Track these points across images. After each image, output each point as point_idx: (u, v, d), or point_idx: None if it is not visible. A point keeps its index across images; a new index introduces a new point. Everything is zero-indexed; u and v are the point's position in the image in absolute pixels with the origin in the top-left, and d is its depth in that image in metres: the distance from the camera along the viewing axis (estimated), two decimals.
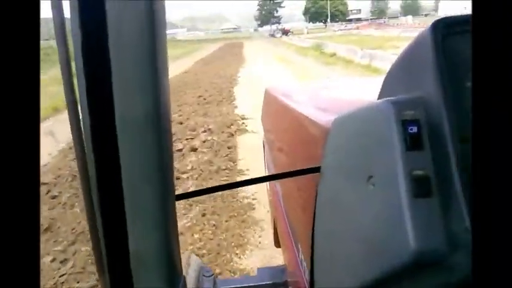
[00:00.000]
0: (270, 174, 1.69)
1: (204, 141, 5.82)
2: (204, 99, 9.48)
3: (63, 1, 0.45)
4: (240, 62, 19.68)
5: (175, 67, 17.56)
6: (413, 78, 0.53)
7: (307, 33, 53.65)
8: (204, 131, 6.33)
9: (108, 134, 0.46)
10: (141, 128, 0.46)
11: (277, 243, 1.90)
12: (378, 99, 0.58)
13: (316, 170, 0.68)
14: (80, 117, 0.47)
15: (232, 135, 6.15)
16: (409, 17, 67.34)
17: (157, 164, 0.48)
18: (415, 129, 0.46)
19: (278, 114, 1.48)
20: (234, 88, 11.19)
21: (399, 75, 0.58)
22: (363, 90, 1.40)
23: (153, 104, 0.46)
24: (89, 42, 0.44)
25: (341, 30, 56.14)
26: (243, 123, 6.80)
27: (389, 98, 0.50)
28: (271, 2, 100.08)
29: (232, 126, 6.58)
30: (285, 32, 60.93)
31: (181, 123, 6.96)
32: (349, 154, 0.59)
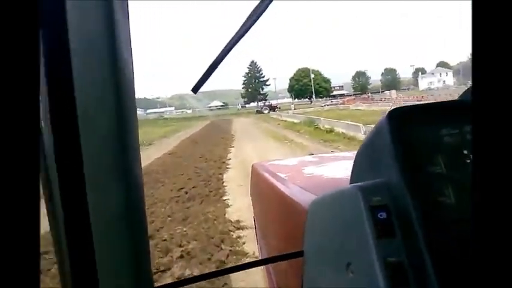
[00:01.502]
0: (261, 252, 1.71)
1: (177, 280, 3.70)
2: (186, 192, 7.47)
3: None
4: (229, 141, 18.05)
5: (159, 148, 15.82)
6: (377, 164, 0.55)
7: (295, 108, 53.72)
8: (181, 256, 4.22)
9: (82, 229, 0.45)
10: (115, 224, 0.46)
11: None
12: (350, 183, 0.61)
13: (299, 254, 0.69)
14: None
15: (224, 263, 4.06)
16: (393, 91, 69.09)
17: (134, 258, 0.48)
18: (384, 215, 0.47)
19: (263, 192, 1.55)
20: (224, 175, 9.26)
21: (365, 161, 0.60)
22: (342, 167, 1.39)
23: (125, 194, 0.46)
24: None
25: (327, 105, 56.56)
26: (239, 238, 4.73)
27: (356, 184, 0.52)
28: (257, 81, 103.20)
29: (222, 246, 4.49)
30: (273, 108, 61.12)
31: (149, 238, 4.87)
32: (328, 238, 0.60)
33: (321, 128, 18.67)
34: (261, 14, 0.57)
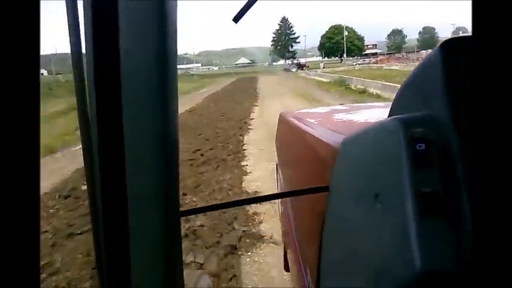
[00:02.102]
0: (283, 205, 1.71)
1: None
2: (202, 155, 6.73)
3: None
4: (254, 99, 17.10)
5: (181, 104, 15.12)
6: (422, 97, 0.53)
7: (324, 67, 51.62)
8: (185, 236, 3.51)
9: (115, 150, 0.46)
10: (148, 146, 0.46)
11: (286, 267, 1.88)
12: (388, 117, 0.59)
13: (325, 189, 0.69)
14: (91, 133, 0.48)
15: (235, 248, 3.32)
16: (430, 51, 64.91)
17: (164, 180, 0.48)
18: (423, 146, 0.46)
19: (290, 138, 1.54)
20: (245, 137, 8.47)
21: (409, 94, 0.58)
22: (376, 113, 1.41)
23: (161, 122, 0.46)
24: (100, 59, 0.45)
25: (359, 64, 54.02)
26: (255, 215, 3.94)
27: (397, 116, 0.51)
28: (286, 37, 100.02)
29: (235, 225, 3.73)
30: (301, 66, 59.25)
31: None
32: (357, 173, 0.59)
33: (352, 88, 17.38)
34: None
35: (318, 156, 0.96)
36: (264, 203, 4.15)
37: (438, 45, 0.52)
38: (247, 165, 5.99)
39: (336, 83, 20.75)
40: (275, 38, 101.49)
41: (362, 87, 16.25)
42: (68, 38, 0.48)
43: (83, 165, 0.50)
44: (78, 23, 0.47)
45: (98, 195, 0.49)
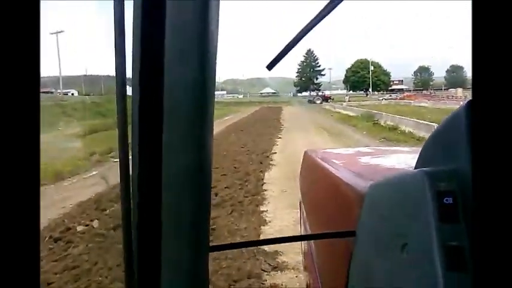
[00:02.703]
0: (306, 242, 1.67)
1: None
2: (216, 194, 5.97)
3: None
4: (277, 131, 16.40)
5: None
6: (448, 151, 0.54)
7: (349, 100, 50.83)
8: None
9: (153, 187, 0.48)
10: (183, 181, 0.48)
11: None
12: (415, 168, 0.60)
13: (351, 233, 0.69)
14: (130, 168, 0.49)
15: None
16: (459, 89, 63.62)
17: (193, 214, 0.49)
18: (450, 200, 0.47)
19: (315, 177, 1.58)
20: (266, 174, 7.69)
21: (435, 147, 0.59)
22: (401, 158, 1.43)
23: (195, 158, 0.47)
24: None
25: (385, 99, 52.98)
26: None
27: (424, 169, 0.52)
28: (311, 69, 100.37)
29: None
30: (326, 99, 58.59)
31: None
32: (384, 220, 0.60)
33: (381, 124, 16.48)
34: None
35: (343, 198, 0.97)
36: (287, 268, 3.32)
37: (465, 102, 0.53)
38: (266, 211, 5.19)
39: (363, 117, 19.87)
40: (300, 70, 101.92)
41: (392, 123, 15.33)
42: (114, 40, 0.48)
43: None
44: (124, 26, 0.48)
45: (135, 232, 0.49)
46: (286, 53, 0.61)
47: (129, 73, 0.49)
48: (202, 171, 0.49)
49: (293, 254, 3.65)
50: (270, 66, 0.63)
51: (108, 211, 5.58)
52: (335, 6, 0.57)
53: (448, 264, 0.43)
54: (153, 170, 0.47)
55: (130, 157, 0.49)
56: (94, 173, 9.17)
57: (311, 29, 0.59)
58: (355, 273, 0.68)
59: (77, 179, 8.62)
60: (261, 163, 8.72)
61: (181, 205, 0.48)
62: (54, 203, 6.02)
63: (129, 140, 0.49)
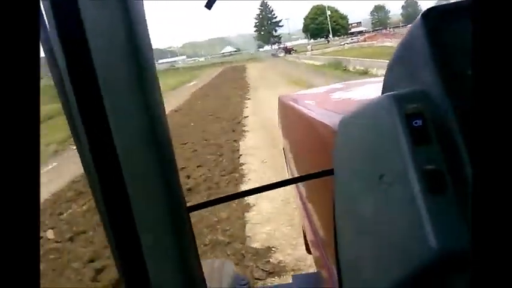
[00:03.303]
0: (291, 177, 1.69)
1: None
2: (188, 176, 5.19)
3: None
4: (245, 91, 15.48)
5: (166, 103, 13.53)
6: (412, 72, 0.53)
7: (312, 49, 49.90)
8: None
9: (109, 156, 0.46)
10: (140, 144, 0.47)
11: (308, 250, 1.86)
12: (381, 95, 0.58)
13: (330, 172, 0.69)
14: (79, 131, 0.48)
15: None
16: (413, 22, 63.20)
17: (163, 177, 0.48)
18: (419, 122, 0.45)
19: (291, 120, 1.58)
20: (241, 143, 6.93)
21: (399, 70, 0.58)
22: (371, 89, 1.39)
23: (147, 119, 0.46)
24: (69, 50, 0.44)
25: (347, 44, 52.32)
26: None
27: (390, 93, 0.50)
28: (269, 22, 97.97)
29: None
30: (288, 50, 57.50)
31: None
32: (358, 154, 0.59)
33: (350, 69, 15.85)
34: None
35: (319, 138, 0.97)
36: (284, 271, 2.67)
37: (419, 14, 0.51)
38: (246, 190, 4.46)
39: (331, 65, 19.16)
40: (257, 24, 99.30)
41: (362, 68, 14.72)
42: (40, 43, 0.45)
43: (82, 171, 0.49)
44: (46, 25, 0.46)
45: (101, 203, 0.49)
46: None
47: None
48: (158, 130, 0.48)
49: (290, 249, 2.99)
50: (209, 5, 0.60)
51: (65, 214, 4.74)
52: None
53: (428, 188, 0.42)
54: (107, 145, 0.46)
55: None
56: (51, 166, 8.15)
57: None
58: (339, 211, 0.67)
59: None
60: (234, 131, 7.92)
61: (145, 171, 0.47)
62: None
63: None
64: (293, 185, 1.76)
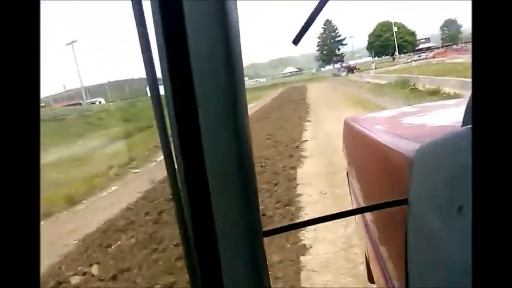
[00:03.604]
0: (356, 205, 1.64)
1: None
2: None
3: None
4: (304, 113, 15.04)
5: None
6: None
7: (375, 68, 48.23)
8: None
9: (200, 179, 0.49)
10: (227, 168, 0.49)
11: (370, 279, 1.78)
12: (462, 126, 0.60)
13: (403, 202, 0.68)
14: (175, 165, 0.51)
15: None
16: None
17: (244, 201, 0.50)
18: None
19: (359, 145, 1.54)
20: (298, 170, 6.48)
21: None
22: (446, 114, 1.39)
23: (235, 145, 0.49)
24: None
25: (414, 61, 49.91)
26: None
27: (471, 126, 0.53)
28: (332, 40, 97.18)
29: None
30: (351, 69, 56.13)
31: None
32: (437, 185, 0.59)
33: (420, 88, 14.78)
34: None
35: (391, 165, 0.95)
36: None
37: None
38: (304, 232, 3.99)
39: (397, 84, 18.12)
40: (320, 43, 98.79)
41: (432, 86, 13.63)
42: (139, 41, 0.49)
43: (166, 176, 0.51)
44: (146, 26, 0.48)
45: (190, 224, 0.50)
46: (310, 25, 0.59)
47: (158, 73, 0.50)
48: (244, 157, 0.50)
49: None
50: (296, 41, 0.61)
51: (113, 247, 4.60)
52: None
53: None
54: (197, 163, 0.48)
55: (174, 155, 0.50)
56: (111, 190, 8.31)
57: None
58: (412, 241, 0.65)
59: (93, 199, 7.78)
60: (291, 156, 7.51)
61: (229, 192, 0.49)
62: (55, 241, 5.12)
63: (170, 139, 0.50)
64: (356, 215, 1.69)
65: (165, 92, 0.49)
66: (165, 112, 0.49)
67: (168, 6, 0.46)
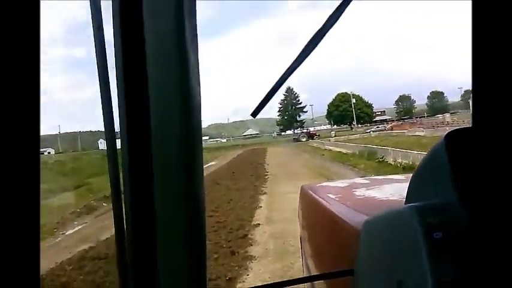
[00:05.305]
0: (306, 270, 1.75)
1: None
2: None
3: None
4: (261, 182, 12.87)
5: None
6: (433, 185, 0.57)
7: (335, 135, 48.14)
8: None
9: (144, 161, 0.49)
10: (173, 153, 0.49)
11: None
12: (405, 203, 0.62)
13: (349, 272, 0.69)
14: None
15: None
16: (447, 115, 61.37)
17: (187, 177, 0.50)
18: (440, 235, 0.48)
19: (312, 213, 1.63)
20: (244, 278, 4.12)
21: (421, 182, 0.62)
22: (395, 189, 1.42)
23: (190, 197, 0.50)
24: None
25: (372, 131, 50.51)
26: None
27: (413, 204, 0.55)
28: (293, 107, 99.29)
29: None
30: (311, 135, 55.97)
31: None
32: (380, 257, 0.61)
33: (389, 162, 13.22)
34: (321, 38, 0.56)
35: (340, 235, 1.00)
36: None
37: (443, 136, 0.57)
38: None
39: (362, 155, 16.64)
40: (281, 108, 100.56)
41: (405, 161, 12.06)
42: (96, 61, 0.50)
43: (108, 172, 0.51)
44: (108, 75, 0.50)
45: (128, 209, 0.49)
46: (270, 98, 0.63)
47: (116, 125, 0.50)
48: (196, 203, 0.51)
49: None
50: (255, 113, 0.64)
51: None
52: (315, 46, 0.57)
53: None
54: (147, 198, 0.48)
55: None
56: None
57: (292, 72, 0.58)
58: None
59: None
60: (234, 254, 5.13)
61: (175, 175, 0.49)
62: None
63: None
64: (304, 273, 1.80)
65: (121, 142, 0.49)
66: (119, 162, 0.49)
67: (131, 53, 0.47)
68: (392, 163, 12.77)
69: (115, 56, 0.48)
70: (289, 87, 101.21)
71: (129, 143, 0.48)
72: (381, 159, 14.00)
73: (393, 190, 1.39)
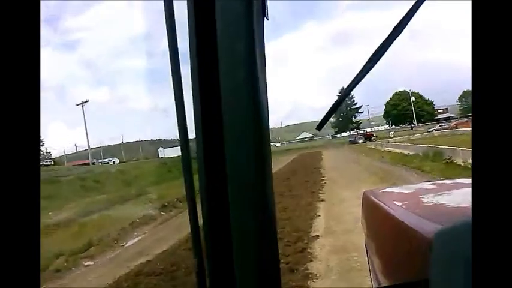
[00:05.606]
0: (374, 279, 1.68)
1: None
2: None
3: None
4: (318, 188, 12.31)
5: None
6: None
7: (394, 136, 45.89)
8: None
9: (219, 166, 0.53)
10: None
11: None
12: None
13: (425, 283, 0.68)
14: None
15: None
16: None
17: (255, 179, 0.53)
18: None
19: (378, 220, 1.57)
20: None
21: None
22: (466, 194, 1.31)
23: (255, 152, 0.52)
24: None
25: (436, 130, 47.55)
26: None
27: None
28: (348, 108, 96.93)
29: None
30: (368, 137, 53.93)
31: None
32: (456, 269, 0.59)
33: (459, 163, 12.08)
34: (381, 55, 0.56)
35: (410, 246, 0.96)
36: None
37: None
38: None
39: (427, 156, 15.45)
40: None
41: None
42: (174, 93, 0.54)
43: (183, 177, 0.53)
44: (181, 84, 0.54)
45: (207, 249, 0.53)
46: (333, 113, 0.61)
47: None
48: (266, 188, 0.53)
49: None
50: (320, 127, 0.63)
51: None
52: (384, 53, 0.56)
53: None
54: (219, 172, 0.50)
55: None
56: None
57: (358, 82, 0.57)
58: None
59: None
60: (293, 271, 4.72)
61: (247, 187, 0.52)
62: None
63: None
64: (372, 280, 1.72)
65: (196, 144, 0.52)
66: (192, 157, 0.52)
67: (204, 58, 0.50)
68: (462, 164, 11.63)
69: (190, 62, 0.51)
70: (342, 88, 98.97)
71: (204, 143, 0.52)
72: (448, 160, 12.85)
73: (463, 195, 1.34)
